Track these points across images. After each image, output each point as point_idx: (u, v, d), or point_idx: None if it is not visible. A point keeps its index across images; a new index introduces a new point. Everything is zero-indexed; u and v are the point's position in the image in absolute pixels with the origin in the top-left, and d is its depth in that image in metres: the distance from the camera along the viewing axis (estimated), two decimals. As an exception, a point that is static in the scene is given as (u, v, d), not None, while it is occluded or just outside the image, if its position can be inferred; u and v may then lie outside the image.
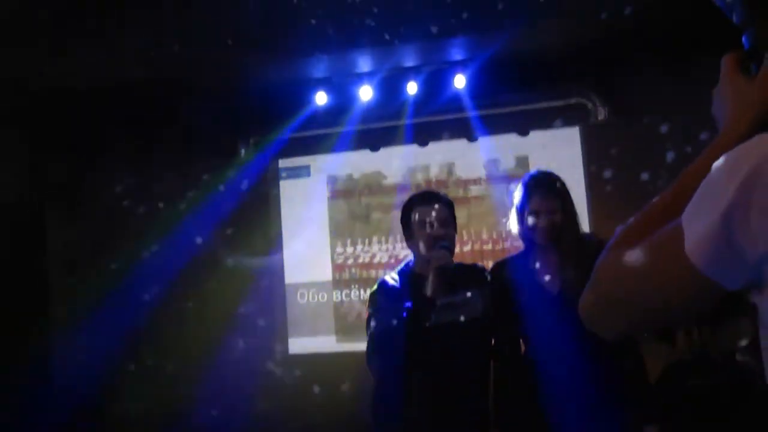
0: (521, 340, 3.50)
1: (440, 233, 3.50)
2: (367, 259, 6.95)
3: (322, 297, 7.00)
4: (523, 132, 6.71)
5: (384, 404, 3.58)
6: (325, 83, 6.46)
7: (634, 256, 1.16)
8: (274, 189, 7.19)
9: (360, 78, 6.42)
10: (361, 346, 6.54)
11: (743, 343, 5.20)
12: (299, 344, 6.99)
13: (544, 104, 6.60)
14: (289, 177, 7.19)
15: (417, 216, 3.57)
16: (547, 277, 3.42)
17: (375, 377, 3.60)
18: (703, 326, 5.46)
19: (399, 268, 3.81)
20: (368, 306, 3.64)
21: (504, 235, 6.56)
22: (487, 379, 3.49)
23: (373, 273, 6.89)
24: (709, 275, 1.05)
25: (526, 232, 3.45)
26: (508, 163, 6.77)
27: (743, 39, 1.23)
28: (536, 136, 6.70)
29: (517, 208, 3.50)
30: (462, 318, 3.46)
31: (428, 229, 3.51)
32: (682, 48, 5.77)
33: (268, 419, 6.70)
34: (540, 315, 3.38)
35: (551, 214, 3.36)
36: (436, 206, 3.56)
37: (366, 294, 6.70)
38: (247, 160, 7.06)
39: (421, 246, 3.53)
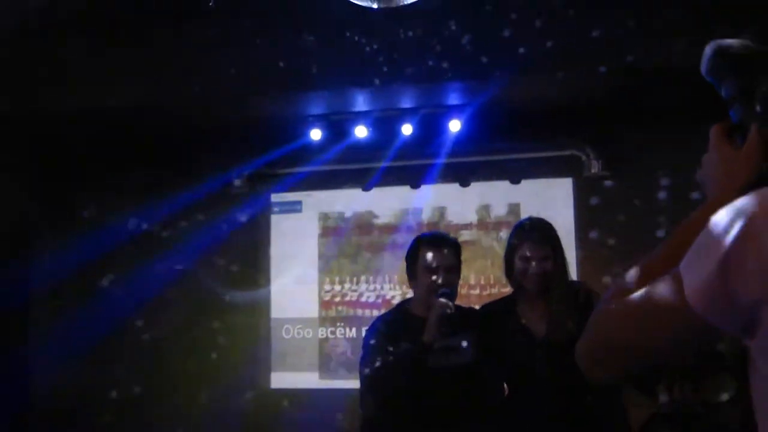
0: (505, 384, 3.51)
1: (444, 280, 3.47)
2: (354, 298, 6.94)
3: (308, 333, 6.96)
4: (515, 180, 6.74)
5: None
6: (321, 120, 6.48)
7: (634, 302, 1.23)
8: (265, 223, 7.18)
9: (356, 117, 6.44)
10: (344, 384, 6.63)
11: (724, 398, 5.22)
12: (282, 379, 6.95)
13: (538, 154, 6.64)
14: (281, 212, 7.18)
15: (423, 258, 3.53)
16: (534, 323, 3.44)
17: (366, 416, 3.56)
18: (685, 381, 5.48)
19: (395, 306, 3.81)
20: (363, 344, 3.58)
21: (492, 281, 6.57)
22: (477, 422, 3.47)
23: (359, 312, 6.89)
24: (707, 318, 1.12)
25: (515, 276, 3.48)
26: (499, 210, 6.80)
27: (731, 113, 1.36)
28: (529, 184, 6.74)
29: (508, 252, 3.52)
30: (457, 362, 3.44)
31: (433, 274, 3.48)
32: (679, 108, 5.84)
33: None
34: (525, 360, 3.39)
35: (542, 260, 3.39)
36: (444, 251, 3.53)
37: (352, 332, 6.73)
38: (239, 193, 7.07)
39: (424, 289, 3.50)
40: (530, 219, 3.62)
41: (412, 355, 3.30)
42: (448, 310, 3.34)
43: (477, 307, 3.94)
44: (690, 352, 1.26)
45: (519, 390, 3.45)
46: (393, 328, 3.50)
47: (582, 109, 6.09)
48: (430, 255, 3.51)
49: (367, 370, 3.42)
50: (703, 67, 1.42)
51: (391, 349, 3.38)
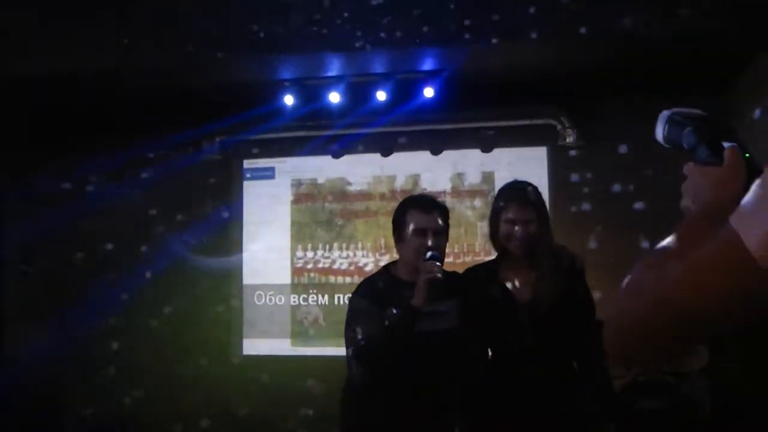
0: (488, 349, 3.48)
1: (433, 243, 3.42)
2: (327, 265, 6.91)
3: (280, 300, 6.94)
4: (487, 149, 6.71)
5: (359, 409, 3.52)
6: (294, 85, 6.39)
7: (689, 268, 1.13)
8: (237, 189, 7.13)
9: (329, 82, 6.36)
10: (315, 351, 6.63)
11: (696, 368, 5.27)
12: (253, 346, 6.93)
13: (513, 122, 6.62)
14: (253, 178, 7.13)
15: (412, 221, 3.48)
16: (517, 288, 3.42)
17: (355, 382, 3.48)
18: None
19: (381, 270, 3.74)
20: (349, 309, 3.50)
21: (465, 249, 6.56)
22: (460, 387, 3.45)
23: (332, 279, 6.87)
24: None
25: (499, 240, 3.45)
26: (473, 179, 6.79)
27: (699, 155, 1.52)
28: (503, 153, 6.72)
29: (492, 215, 3.48)
30: (443, 327, 3.41)
31: (421, 237, 3.43)
32: (656, 78, 5.85)
33: (217, 418, 6.64)
34: (508, 325, 3.37)
35: (527, 224, 3.35)
36: (433, 214, 3.49)
37: (324, 299, 6.71)
38: (211, 159, 7.00)
39: (412, 253, 3.45)
40: (515, 182, 3.59)
41: (401, 320, 3.26)
42: (438, 274, 3.30)
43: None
44: (756, 317, 1.14)
45: (502, 355, 3.42)
46: (380, 293, 3.45)
47: (558, 78, 6.06)
48: (418, 217, 3.47)
49: (357, 337, 3.36)
50: (662, 128, 1.60)
51: (379, 313, 3.32)
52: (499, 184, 6.37)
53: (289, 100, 6.40)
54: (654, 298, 1.16)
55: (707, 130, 1.52)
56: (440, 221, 3.50)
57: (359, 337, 3.33)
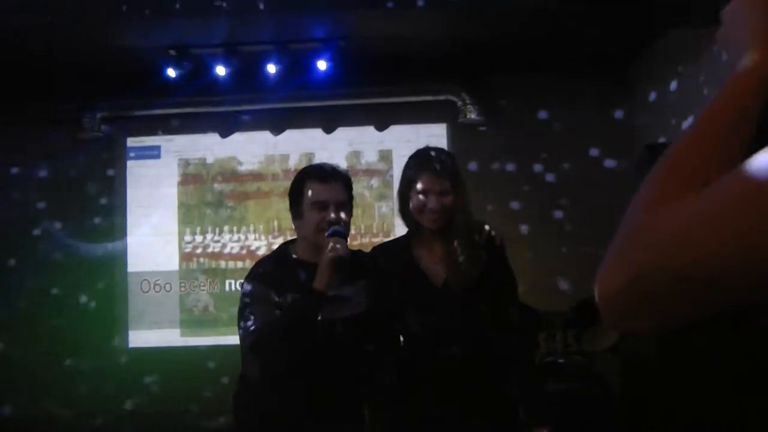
0: (401, 336, 3.19)
1: (335, 217, 3.05)
2: (217, 249, 6.70)
3: (168, 287, 6.68)
4: (382, 126, 6.58)
5: (256, 404, 3.17)
6: (179, 59, 6.06)
7: (724, 196, 0.76)
8: (119, 170, 6.82)
9: (217, 55, 6.09)
10: (207, 340, 6.31)
11: (605, 347, 5.19)
12: (140, 337, 6.65)
13: (411, 98, 6.53)
14: (137, 157, 6.84)
15: (310, 193, 3.09)
16: (431, 266, 3.13)
17: (251, 377, 3.12)
18: (567, 330, 5.43)
19: (277, 250, 3.40)
20: (242, 296, 3.12)
21: (363, 230, 6.37)
22: (369, 376, 3.14)
23: (223, 264, 6.66)
24: None
25: (410, 214, 3.14)
26: (370, 157, 6.63)
27: None
28: (401, 130, 6.63)
29: (402, 186, 3.17)
30: (349, 313, 3.07)
31: (322, 211, 3.06)
32: (558, 55, 5.79)
33: (103, 414, 6.23)
34: (421, 307, 3.09)
35: (441, 195, 3.05)
36: (335, 184, 3.11)
37: (215, 286, 6.44)
38: (90, 137, 6.66)
39: (312, 229, 3.08)
40: (428, 148, 3.27)
41: (302, 306, 2.93)
42: (342, 253, 2.98)
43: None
44: None
45: (415, 341, 3.13)
46: (277, 275, 3.09)
47: (460, 53, 5.94)
48: (318, 189, 3.10)
49: (250, 327, 3.00)
50: None
51: (277, 300, 2.98)
52: (397, 163, 6.23)
53: (172, 72, 6.06)
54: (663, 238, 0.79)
55: None
56: (343, 192, 3.14)
57: (254, 327, 2.97)
